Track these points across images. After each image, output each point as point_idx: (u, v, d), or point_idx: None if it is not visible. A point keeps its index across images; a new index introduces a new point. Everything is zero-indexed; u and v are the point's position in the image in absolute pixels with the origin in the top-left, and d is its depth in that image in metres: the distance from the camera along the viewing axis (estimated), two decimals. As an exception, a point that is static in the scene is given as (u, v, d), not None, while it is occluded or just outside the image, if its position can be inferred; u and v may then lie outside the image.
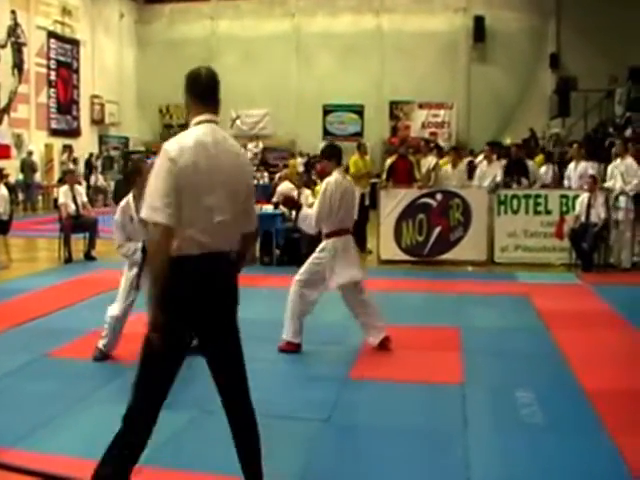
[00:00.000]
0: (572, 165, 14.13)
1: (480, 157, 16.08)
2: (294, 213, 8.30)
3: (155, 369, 3.79)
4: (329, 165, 7.50)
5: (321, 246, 7.42)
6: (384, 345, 7.43)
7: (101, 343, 7.03)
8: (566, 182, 14.15)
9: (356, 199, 7.79)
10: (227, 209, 3.76)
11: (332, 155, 7.54)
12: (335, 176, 7.34)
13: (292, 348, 7.38)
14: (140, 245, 6.80)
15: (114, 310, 7.03)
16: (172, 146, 3.70)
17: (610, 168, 13.26)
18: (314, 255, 7.48)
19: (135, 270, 6.99)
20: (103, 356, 7.03)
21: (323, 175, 7.78)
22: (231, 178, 3.79)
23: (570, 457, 4.85)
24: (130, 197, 7.05)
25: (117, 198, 27.99)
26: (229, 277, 3.87)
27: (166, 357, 3.76)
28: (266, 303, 9.77)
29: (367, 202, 14.82)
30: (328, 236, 7.36)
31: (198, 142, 3.72)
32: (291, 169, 20.40)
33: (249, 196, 3.95)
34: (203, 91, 3.90)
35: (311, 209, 7.44)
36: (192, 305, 3.73)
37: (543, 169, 15.67)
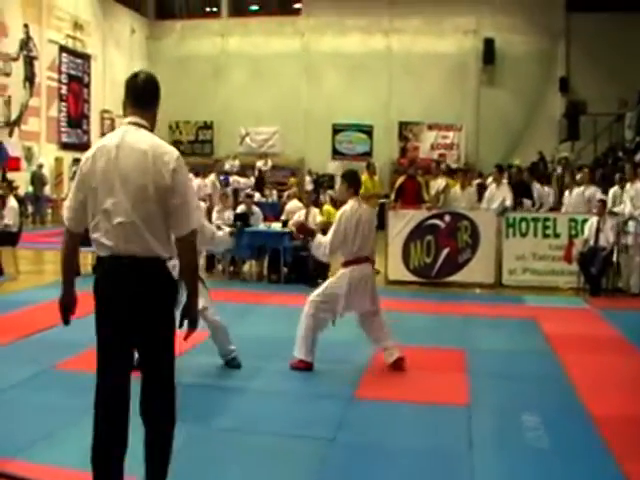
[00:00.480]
0: (567, 192, 14.11)
1: (490, 179, 16.11)
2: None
3: (101, 363, 3.89)
4: (347, 193, 7.50)
5: (338, 273, 7.44)
6: (397, 365, 7.40)
7: None
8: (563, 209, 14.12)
9: (373, 225, 7.65)
10: (129, 211, 3.75)
11: (352, 182, 7.54)
12: (351, 204, 7.35)
13: (303, 366, 7.33)
14: None
15: None
16: (85, 154, 3.92)
17: (612, 192, 13.27)
18: (330, 280, 7.55)
19: None
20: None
21: (343, 203, 7.72)
22: (133, 178, 3.76)
23: (577, 482, 4.81)
24: None
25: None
26: (137, 281, 3.79)
27: (104, 350, 3.88)
28: (273, 320, 9.78)
29: (375, 222, 14.71)
30: (345, 265, 7.37)
31: (100, 147, 3.87)
32: (294, 187, 20.44)
33: (169, 197, 3.79)
34: (132, 94, 4.00)
35: (325, 237, 7.40)
36: (104, 304, 3.85)
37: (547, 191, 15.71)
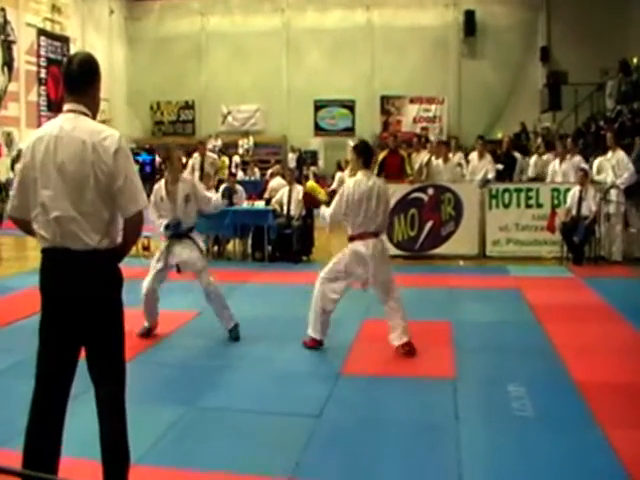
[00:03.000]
0: (558, 161, 14.05)
1: (474, 153, 16.14)
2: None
3: (41, 350, 3.86)
4: (357, 164, 7.34)
5: (345, 248, 7.29)
6: (401, 349, 7.18)
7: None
8: (549, 178, 14.10)
9: (387, 201, 7.40)
10: (67, 204, 3.70)
11: (362, 153, 7.32)
12: (358, 177, 7.16)
13: (314, 344, 7.32)
14: (165, 222, 7.65)
15: (143, 287, 7.73)
16: (26, 143, 3.86)
17: (597, 162, 13.27)
18: (337, 255, 7.37)
19: (164, 245, 7.82)
20: (145, 332, 7.79)
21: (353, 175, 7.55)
22: (72, 170, 3.70)
23: (562, 450, 4.85)
24: (163, 180, 7.89)
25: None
26: (73, 275, 3.74)
27: (45, 339, 3.84)
28: (258, 299, 9.76)
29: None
30: (350, 239, 7.21)
31: (39, 137, 3.79)
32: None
33: (112, 181, 3.72)
34: (67, 80, 3.89)
35: (328, 209, 7.24)
36: (43, 296, 3.83)
37: (532, 161, 15.72)
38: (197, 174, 15.24)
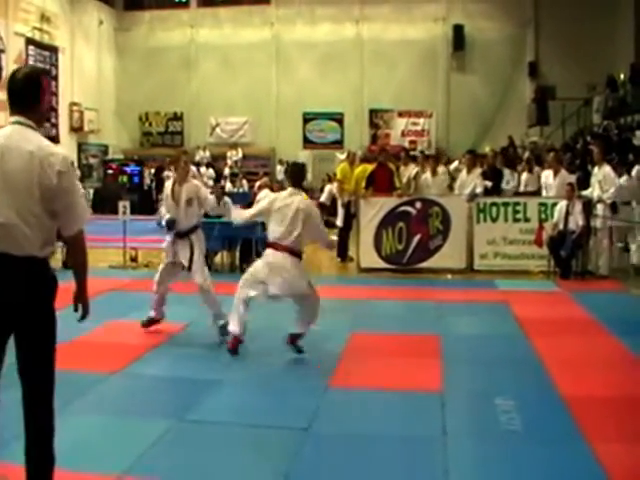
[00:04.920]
0: (548, 173, 14.10)
1: (455, 163, 16.22)
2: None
3: None
4: (287, 183, 8.17)
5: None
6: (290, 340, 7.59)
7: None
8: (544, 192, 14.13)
9: (302, 218, 7.52)
10: (12, 212, 3.74)
11: (292, 174, 8.04)
12: (282, 193, 7.72)
13: (233, 341, 7.59)
14: (167, 217, 8.40)
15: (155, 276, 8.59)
16: None
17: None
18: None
19: (169, 239, 8.54)
20: (147, 321, 8.49)
21: None
22: (18, 180, 3.75)
23: (548, 464, 4.87)
24: (171, 180, 8.64)
25: (96, 206, 27.95)
26: (10, 281, 3.78)
27: None
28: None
29: (353, 210, 14.53)
30: (266, 246, 7.67)
31: None
32: (264, 177, 20.65)
33: (54, 198, 3.79)
34: (12, 94, 3.93)
35: (246, 210, 8.22)
36: None
37: (524, 177, 15.77)
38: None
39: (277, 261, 7.39)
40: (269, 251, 7.48)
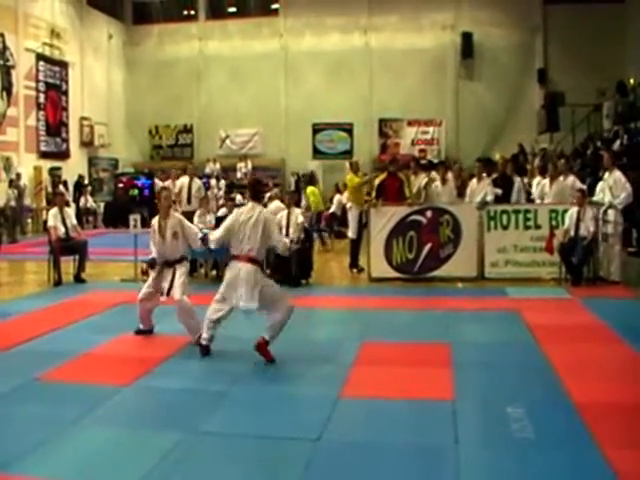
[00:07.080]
0: (544, 181, 14.08)
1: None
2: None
3: None
4: (248, 197, 8.42)
5: None
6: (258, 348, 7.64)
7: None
8: (538, 200, 14.09)
9: (262, 228, 7.88)
10: None
11: (251, 188, 8.30)
12: (243, 207, 8.07)
13: (202, 349, 7.90)
14: (151, 256, 8.85)
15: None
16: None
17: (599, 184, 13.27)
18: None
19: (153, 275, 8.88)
20: (138, 332, 8.88)
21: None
22: None
23: (561, 472, 4.85)
24: (157, 217, 8.94)
25: (107, 220, 28.06)
26: None
27: None
28: (257, 323, 9.72)
29: (364, 220, 14.59)
30: (231, 257, 7.95)
31: None
32: (275, 189, 20.74)
33: None
34: None
35: (216, 231, 8.36)
36: None
37: (535, 182, 15.72)
38: (185, 195, 15.53)
39: (240, 273, 7.67)
40: (233, 264, 7.80)
